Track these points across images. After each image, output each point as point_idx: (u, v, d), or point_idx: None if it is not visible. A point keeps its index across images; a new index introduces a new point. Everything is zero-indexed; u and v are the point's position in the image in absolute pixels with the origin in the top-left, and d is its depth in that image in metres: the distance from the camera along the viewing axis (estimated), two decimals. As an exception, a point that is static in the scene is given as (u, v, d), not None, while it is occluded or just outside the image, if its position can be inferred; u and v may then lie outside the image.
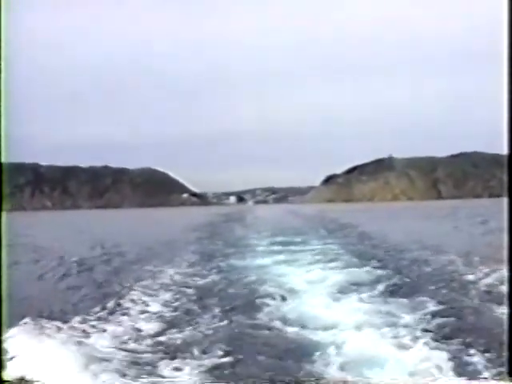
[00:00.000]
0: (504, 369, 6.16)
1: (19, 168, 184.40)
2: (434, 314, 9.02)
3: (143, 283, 13.54)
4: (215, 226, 42.76)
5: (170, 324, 9.16)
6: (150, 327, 8.91)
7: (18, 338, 7.59)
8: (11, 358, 6.82)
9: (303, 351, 7.40)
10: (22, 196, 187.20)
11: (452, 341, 7.45)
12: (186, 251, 21.72)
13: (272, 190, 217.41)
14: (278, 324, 8.85)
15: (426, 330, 7.99)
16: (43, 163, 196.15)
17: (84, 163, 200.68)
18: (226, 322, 9.08)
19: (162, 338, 8.23)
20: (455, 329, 8.14)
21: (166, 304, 10.91)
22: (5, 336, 7.38)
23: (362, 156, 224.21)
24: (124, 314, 9.96)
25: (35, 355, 6.96)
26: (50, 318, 9.30)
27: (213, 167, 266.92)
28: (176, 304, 10.92)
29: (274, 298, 10.79)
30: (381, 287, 11.73)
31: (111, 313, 10.05)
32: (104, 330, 8.60)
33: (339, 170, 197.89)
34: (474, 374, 6.22)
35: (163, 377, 6.49)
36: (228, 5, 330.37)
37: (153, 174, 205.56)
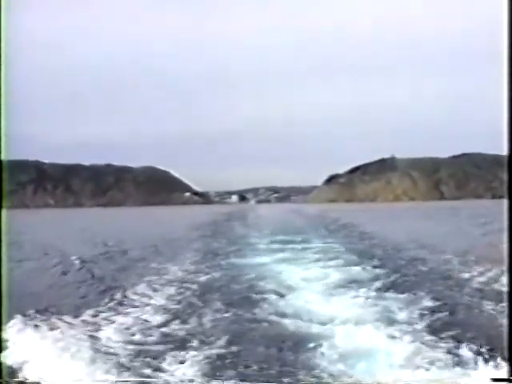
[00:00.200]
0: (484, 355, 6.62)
1: (22, 165, 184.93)
2: (428, 309, 9.40)
3: (148, 279, 13.98)
4: (217, 224, 43.09)
5: (174, 316, 9.64)
6: (155, 318, 9.41)
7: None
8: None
9: (297, 342, 7.81)
10: (25, 193, 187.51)
11: (442, 334, 7.84)
12: (188, 249, 22.09)
13: (274, 190, 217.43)
14: (273, 318, 9.27)
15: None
16: (46, 161, 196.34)
17: (85, 162, 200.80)
18: (225, 315, 9.54)
19: (165, 329, 8.68)
20: (446, 323, 8.54)
21: (169, 298, 11.39)
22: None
23: (362, 156, 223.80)
24: (131, 306, 10.59)
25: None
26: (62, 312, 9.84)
27: (214, 166, 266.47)
28: (179, 298, 11.41)
29: (272, 295, 11.17)
30: (378, 284, 12.07)
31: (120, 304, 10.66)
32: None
33: (341, 170, 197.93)
34: (461, 364, 6.58)
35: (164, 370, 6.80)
36: (228, 5, 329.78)
37: (155, 172, 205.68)
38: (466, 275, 13.19)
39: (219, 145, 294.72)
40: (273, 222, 45.14)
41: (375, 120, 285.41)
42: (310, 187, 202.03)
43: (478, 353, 6.87)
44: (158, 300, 11.25)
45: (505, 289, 10.87)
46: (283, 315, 9.39)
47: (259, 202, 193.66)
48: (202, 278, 14.12)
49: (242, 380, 6.38)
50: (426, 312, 9.31)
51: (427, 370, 6.39)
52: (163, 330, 8.74)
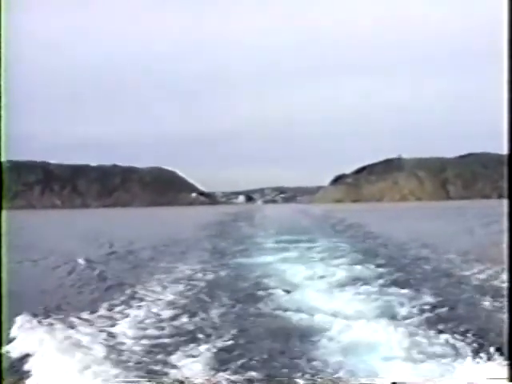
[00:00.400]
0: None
1: (29, 166, 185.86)
2: (429, 304, 9.77)
3: (158, 277, 14.39)
4: (224, 224, 43.43)
5: (183, 310, 10.15)
6: (165, 313, 9.94)
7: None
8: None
9: (297, 334, 8.26)
10: (32, 194, 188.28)
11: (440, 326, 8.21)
12: (196, 249, 22.47)
13: (280, 190, 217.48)
14: (277, 312, 9.77)
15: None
16: (52, 162, 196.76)
17: (88, 162, 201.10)
18: (231, 310, 10.03)
19: (175, 322, 9.17)
20: (444, 317, 8.92)
21: (179, 294, 11.90)
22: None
23: (366, 156, 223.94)
24: (141, 300, 11.23)
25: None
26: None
27: (219, 166, 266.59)
28: (188, 294, 11.93)
29: (276, 291, 11.60)
30: (381, 282, 12.40)
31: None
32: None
33: (347, 171, 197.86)
34: (455, 355, 6.90)
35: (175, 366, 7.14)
36: (228, 5, 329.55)
37: (161, 173, 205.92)
38: (467, 273, 13.56)
39: (222, 145, 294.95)
40: (279, 222, 45.46)
41: (377, 120, 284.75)
42: (316, 187, 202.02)
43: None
44: (168, 296, 11.73)
45: (504, 285, 11.24)
46: (286, 310, 9.82)
47: (266, 202, 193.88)
48: (210, 276, 14.52)
49: (246, 370, 6.72)
50: (427, 307, 9.68)
51: (422, 361, 6.71)
52: (174, 323, 9.21)
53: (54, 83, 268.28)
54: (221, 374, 6.59)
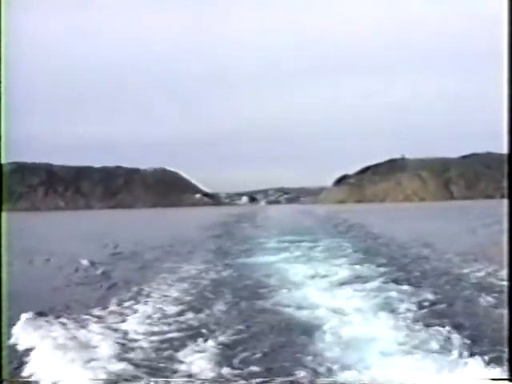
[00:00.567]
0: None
1: (32, 168, 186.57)
2: (427, 301, 10.11)
3: (163, 275, 14.74)
4: (228, 225, 43.70)
5: (188, 306, 10.62)
6: (171, 308, 10.44)
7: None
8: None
9: (299, 329, 8.64)
10: (36, 196, 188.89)
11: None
12: (200, 249, 22.79)
13: (283, 191, 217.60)
14: (278, 308, 10.19)
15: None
16: (55, 163, 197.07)
17: (90, 163, 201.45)
18: (234, 307, 10.45)
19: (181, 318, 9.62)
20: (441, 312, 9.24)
21: (184, 291, 12.35)
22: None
23: (364, 157, 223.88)
24: (148, 296, 11.80)
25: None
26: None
27: (222, 167, 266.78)
28: (193, 291, 12.37)
29: (278, 289, 11.95)
30: (382, 280, 12.71)
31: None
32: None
33: (349, 171, 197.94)
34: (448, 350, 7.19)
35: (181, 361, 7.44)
36: (228, 5, 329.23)
37: (164, 174, 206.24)
38: (465, 271, 13.91)
39: (223, 145, 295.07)
40: (283, 223, 45.77)
41: (377, 120, 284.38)
42: (319, 188, 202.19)
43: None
44: (173, 293, 12.16)
45: (499, 282, 11.61)
46: (287, 306, 10.23)
47: (269, 203, 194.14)
48: (214, 275, 14.87)
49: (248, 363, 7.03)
50: (426, 303, 10.04)
51: (417, 354, 6.99)
52: (179, 318, 9.63)
53: (55, 83, 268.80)
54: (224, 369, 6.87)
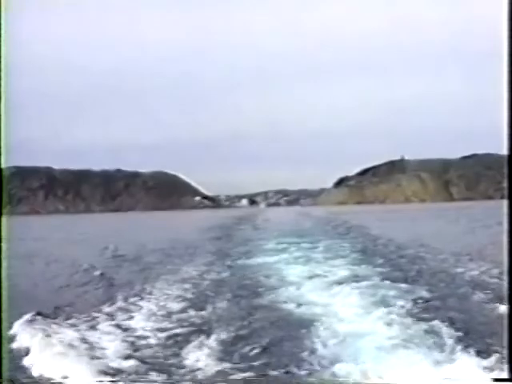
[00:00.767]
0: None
1: (33, 172, 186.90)
2: (422, 298, 10.46)
3: (165, 277, 15.07)
4: (228, 227, 43.94)
5: (190, 303, 11.13)
6: (174, 306, 10.95)
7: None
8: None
9: (296, 325, 8.98)
10: (36, 199, 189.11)
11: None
12: (201, 251, 23.07)
13: (283, 193, 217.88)
14: (276, 305, 10.60)
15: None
16: (56, 167, 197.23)
17: (93, 166, 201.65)
18: (233, 305, 10.87)
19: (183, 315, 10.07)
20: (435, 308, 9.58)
21: (185, 290, 12.82)
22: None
23: (364, 158, 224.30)
24: (151, 294, 12.37)
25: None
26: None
27: (222, 169, 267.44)
28: (194, 290, 12.82)
29: (276, 288, 12.32)
30: (379, 279, 13.02)
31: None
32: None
33: (349, 172, 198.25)
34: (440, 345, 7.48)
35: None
36: (230, 6, 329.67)
37: (164, 177, 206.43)
38: (460, 269, 14.26)
39: (223, 147, 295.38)
40: (282, 225, 46.03)
41: (378, 120, 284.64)
42: (319, 190, 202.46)
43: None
44: (175, 291, 12.62)
45: (492, 280, 11.96)
46: (285, 304, 10.61)
47: (269, 205, 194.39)
48: (214, 276, 15.21)
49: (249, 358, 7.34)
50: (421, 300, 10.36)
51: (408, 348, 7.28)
52: (182, 315, 10.05)
53: (55, 86, 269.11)
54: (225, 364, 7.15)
